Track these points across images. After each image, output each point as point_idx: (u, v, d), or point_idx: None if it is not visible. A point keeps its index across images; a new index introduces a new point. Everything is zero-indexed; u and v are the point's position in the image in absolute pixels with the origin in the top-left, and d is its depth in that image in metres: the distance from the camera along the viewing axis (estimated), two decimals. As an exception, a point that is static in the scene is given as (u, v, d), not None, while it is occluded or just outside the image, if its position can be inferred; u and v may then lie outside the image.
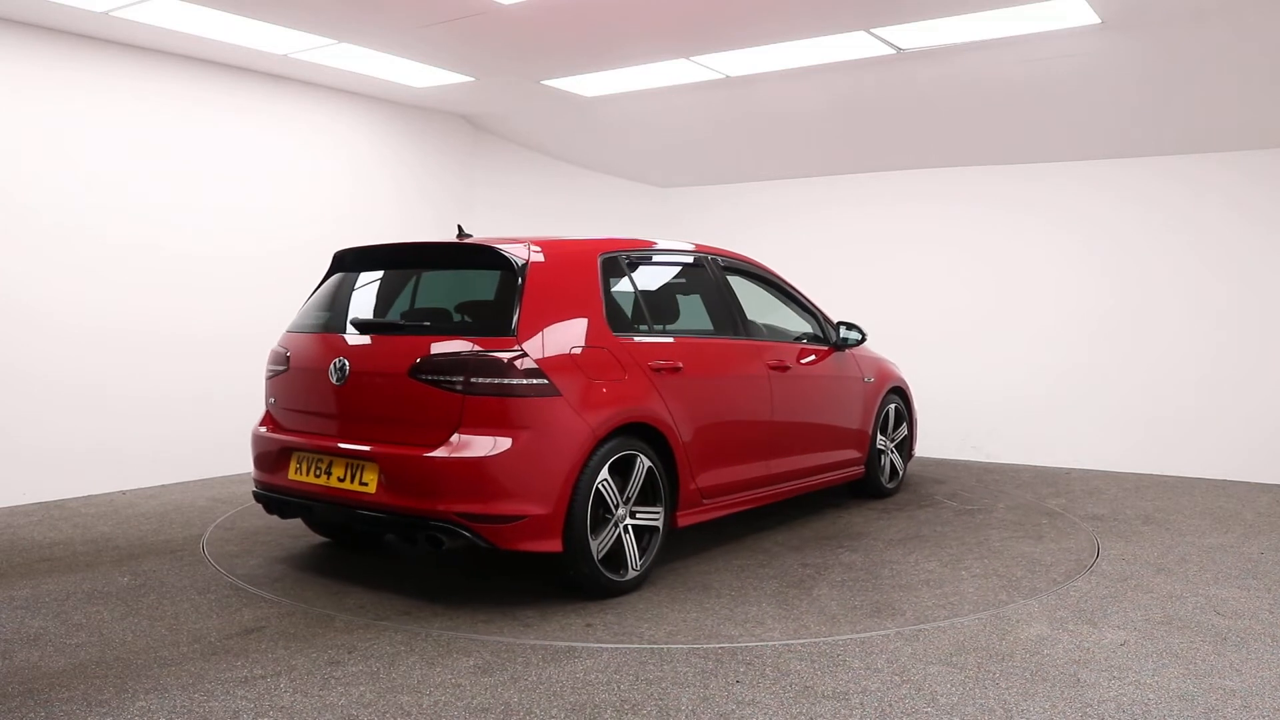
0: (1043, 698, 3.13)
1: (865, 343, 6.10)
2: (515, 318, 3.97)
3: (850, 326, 5.95)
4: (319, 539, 5.18)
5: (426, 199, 8.30)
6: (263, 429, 4.59)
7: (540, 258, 4.19)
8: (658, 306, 4.81)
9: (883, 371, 6.35)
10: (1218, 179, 7.03)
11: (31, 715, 2.99)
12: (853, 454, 5.98)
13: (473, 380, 3.85)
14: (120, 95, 6.36)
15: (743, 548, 5.06)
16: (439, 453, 3.84)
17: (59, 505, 5.94)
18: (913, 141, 7.76)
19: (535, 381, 3.89)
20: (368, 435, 4.12)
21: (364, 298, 4.57)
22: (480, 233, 8.54)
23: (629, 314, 4.54)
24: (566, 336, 4.09)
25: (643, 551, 4.29)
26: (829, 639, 3.67)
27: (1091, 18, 5.36)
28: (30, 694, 3.14)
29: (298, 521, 5.48)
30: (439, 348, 3.98)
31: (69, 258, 6.15)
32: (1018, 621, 3.87)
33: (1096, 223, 7.51)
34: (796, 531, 5.40)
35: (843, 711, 3.03)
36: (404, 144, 8.11)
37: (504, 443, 3.82)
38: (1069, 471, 7.35)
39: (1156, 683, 3.26)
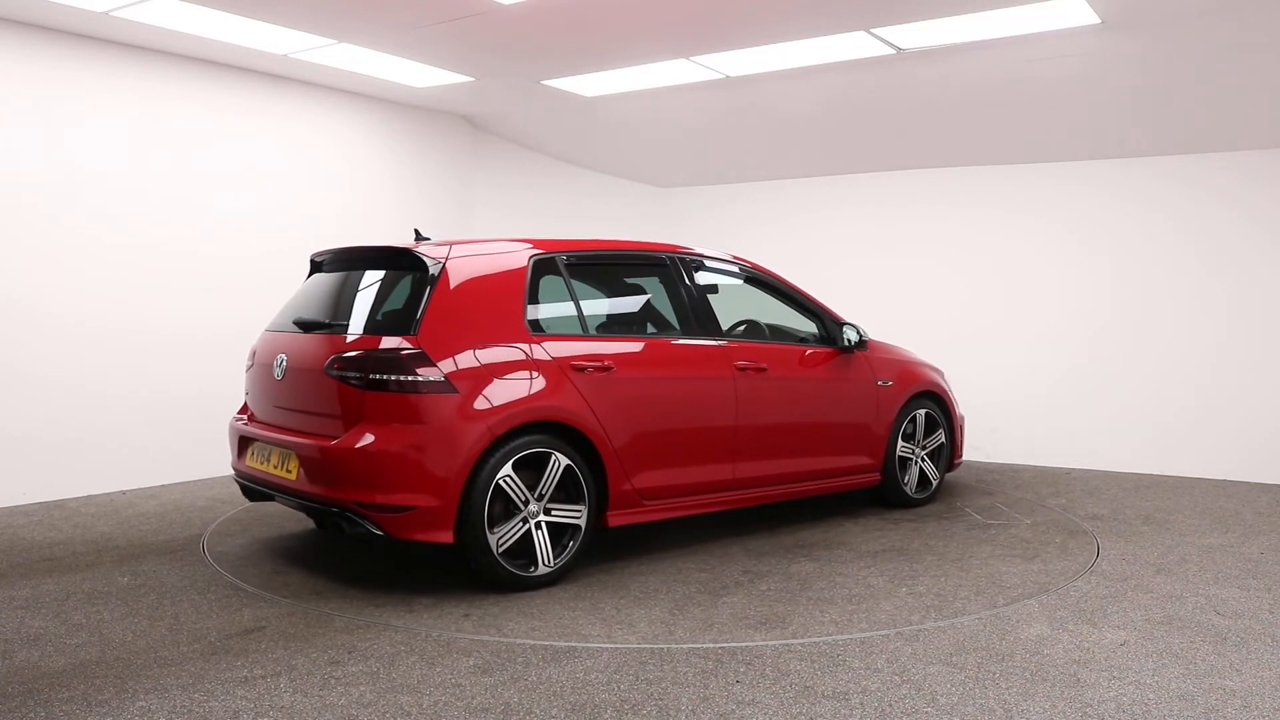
0: (1043, 698, 3.13)
1: (860, 344, 5.75)
2: (419, 317, 4.19)
3: (853, 329, 5.73)
4: (318, 538, 5.19)
5: (426, 199, 8.29)
6: (236, 419, 4.98)
7: (460, 260, 4.40)
8: (599, 307, 4.90)
9: (907, 375, 6.00)
10: (1218, 179, 7.03)
11: (31, 715, 2.99)
12: (862, 460, 5.73)
13: (371, 376, 4.09)
14: (120, 95, 6.36)
15: (703, 551, 4.98)
16: (339, 444, 4.10)
17: (59, 505, 5.94)
18: (913, 141, 7.76)
19: (429, 378, 4.07)
20: (294, 426, 4.46)
21: (313, 298, 4.81)
22: (479, 233, 8.56)
23: (560, 314, 4.63)
24: (471, 335, 4.24)
25: (563, 548, 4.36)
26: (830, 639, 3.67)
27: (1091, 18, 5.36)
28: (30, 694, 3.14)
29: (297, 520, 5.51)
30: (347, 345, 4.26)
31: (69, 257, 6.15)
32: (1018, 621, 3.87)
33: (1096, 223, 7.50)
34: (776, 538, 5.27)
35: (843, 711, 3.03)
36: (404, 144, 8.11)
37: (396, 436, 4.03)
38: (1069, 471, 7.35)
39: (1156, 683, 3.26)
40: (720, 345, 5.08)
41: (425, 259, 4.36)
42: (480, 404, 4.13)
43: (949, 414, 6.30)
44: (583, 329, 4.63)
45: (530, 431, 4.26)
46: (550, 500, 4.33)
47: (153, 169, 6.54)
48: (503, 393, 4.20)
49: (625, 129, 8.30)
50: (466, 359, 4.17)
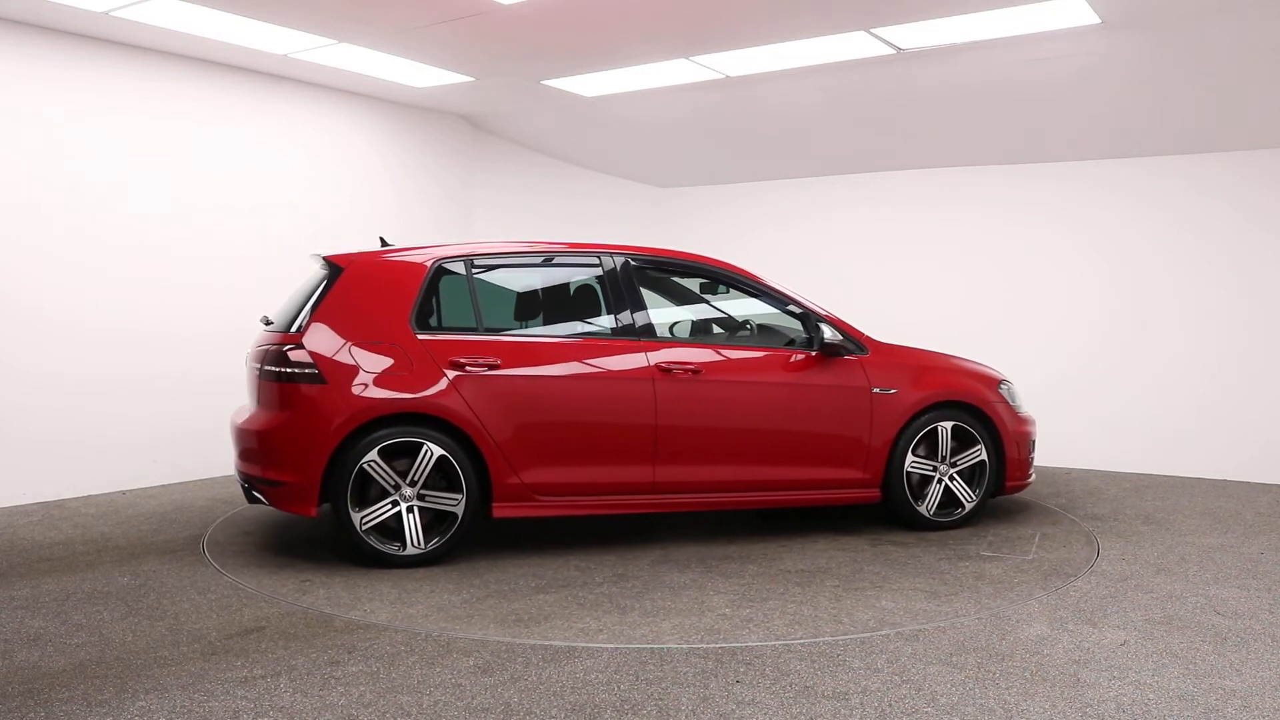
0: (1043, 698, 3.13)
1: (845, 346, 5.25)
2: (308, 316, 4.72)
3: (829, 330, 5.25)
4: (318, 538, 5.19)
5: (426, 199, 8.29)
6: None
7: (360, 264, 4.88)
8: (503, 307, 5.16)
9: (921, 381, 5.37)
10: (1219, 179, 7.03)
11: (31, 715, 2.99)
12: (849, 474, 5.23)
13: (265, 368, 4.73)
14: (120, 95, 6.36)
15: (611, 552, 4.94)
16: (240, 425, 4.86)
17: (59, 505, 5.94)
18: (913, 141, 7.76)
19: (301, 370, 4.59)
20: (247, 411, 5.02)
21: (284, 298, 5.29)
22: (479, 234, 8.57)
23: (455, 314, 4.93)
24: (352, 333, 4.69)
25: (439, 533, 4.66)
26: (830, 639, 3.67)
27: (1091, 18, 5.36)
28: (30, 694, 3.14)
29: (297, 520, 5.51)
30: (262, 341, 4.87)
31: (69, 257, 6.15)
32: (1018, 621, 3.87)
33: (1097, 223, 7.50)
34: (713, 547, 5.01)
35: (843, 711, 3.03)
36: (404, 144, 8.11)
37: (272, 419, 4.64)
38: (1069, 471, 7.35)
39: (1156, 683, 3.26)
40: (640, 345, 4.99)
41: (332, 263, 4.87)
42: (346, 394, 4.55)
43: (994, 428, 5.48)
44: (476, 328, 4.87)
45: (402, 422, 4.61)
46: (430, 488, 4.64)
47: (152, 168, 6.53)
48: (370, 385, 4.60)
49: (625, 129, 8.30)
50: (340, 354, 4.62)
